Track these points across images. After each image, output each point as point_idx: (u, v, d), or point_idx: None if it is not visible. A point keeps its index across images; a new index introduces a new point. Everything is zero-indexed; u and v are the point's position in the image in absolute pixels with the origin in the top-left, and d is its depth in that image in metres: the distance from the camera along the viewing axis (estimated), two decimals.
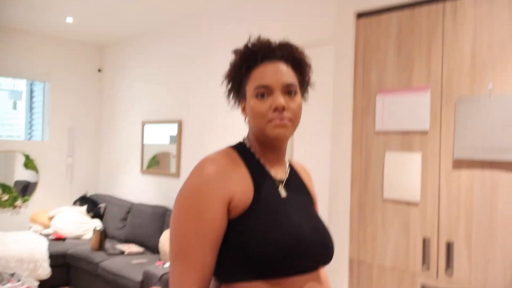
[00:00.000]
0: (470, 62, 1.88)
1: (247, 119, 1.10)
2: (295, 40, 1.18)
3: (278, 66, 1.06)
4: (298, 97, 1.07)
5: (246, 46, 1.10)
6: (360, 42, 2.24)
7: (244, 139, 1.14)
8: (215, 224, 0.96)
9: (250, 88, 1.06)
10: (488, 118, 1.82)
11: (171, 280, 0.97)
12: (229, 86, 1.13)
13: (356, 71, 2.26)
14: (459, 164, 1.90)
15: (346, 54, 2.28)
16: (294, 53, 1.10)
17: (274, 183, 1.08)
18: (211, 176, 0.97)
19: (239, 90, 1.11)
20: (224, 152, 1.07)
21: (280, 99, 1.02)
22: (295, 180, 1.16)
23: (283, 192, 1.08)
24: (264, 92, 1.03)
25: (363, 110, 2.22)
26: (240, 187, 1.00)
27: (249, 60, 1.07)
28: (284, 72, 1.06)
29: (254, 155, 1.09)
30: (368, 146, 2.20)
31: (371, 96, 2.19)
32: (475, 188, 1.85)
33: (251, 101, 1.05)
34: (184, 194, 0.98)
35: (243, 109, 1.11)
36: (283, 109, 1.02)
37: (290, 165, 1.19)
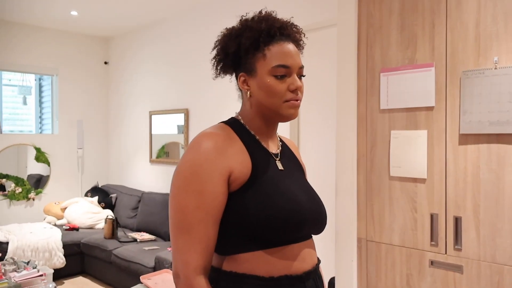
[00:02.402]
0: (475, 36, 1.87)
1: (248, 93, 1.08)
2: (299, 23, 1.18)
3: (291, 46, 1.08)
4: (302, 79, 1.10)
5: (261, 19, 1.08)
6: (363, 21, 2.23)
7: (237, 115, 1.14)
8: (217, 198, 0.97)
9: (266, 64, 1.05)
10: (493, 91, 1.81)
11: (175, 254, 0.98)
12: (227, 56, 1.10)
13: (359, 50, 2.25)
14: (465, 139, 1.90)
15: (349, 33, 2.27)
16: (300, 35, 1.13)
17: (271, 156, 1.10)
18: (209, 151, 0.98)
19: (239, 62, 1.09)
20: (219, 127, 1.08)
21: (299, 81, 1.06)
22: (287, 154, 1.19)
23: (279, 165, 1.11)
24: (284, 72, 1.04)
25: (367, 89, 2.22)
26: (238, 160, 1.01)
27: (265, 35, 1.05)
28: (297, 53, 1.09)
29: (249, 130, 1.10)
30: (373, 125, 2.20)
31: (375, 74, 2.19)
32: (482, 162, 1.85)
33: (267, 78, 1.04)
34: (184, 170, 0.99)
35: (244, 83, 1.09)
36: (300, 90, 1.07)
37: (281, 140, 1.21)
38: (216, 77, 1.15)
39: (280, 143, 1.19)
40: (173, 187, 1.00)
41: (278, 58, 1.04)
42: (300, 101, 1.08)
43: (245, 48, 1.06)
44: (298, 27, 1.13)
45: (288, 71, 1.05)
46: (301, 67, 1.09)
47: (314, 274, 1.07)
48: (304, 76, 1.10)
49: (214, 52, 1.12)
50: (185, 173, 0.98)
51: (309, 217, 1.06)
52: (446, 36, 1.95)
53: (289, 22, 1.11)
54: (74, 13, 4.63)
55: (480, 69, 1.84)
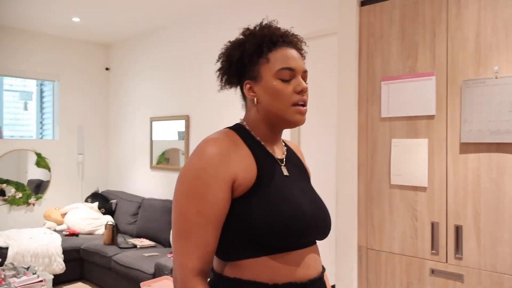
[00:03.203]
0: (475, 46, 1.88)
1: (255, 100, 1.09)
2: (300, 31, 1.20)
3: (294, 51, 1.10)
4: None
5: (263, 27, 1.10)
6: (364, 30, 2.25)
7: (241, 121, 1.14)
8: (218, 205, 0.97)
9: (270, 69, 1.06)
10: (494, 101, 1.82)
11: (174, 258, 0.99)
12: (232, 65, 1.11)
13: (360, 59, 2.27)
14: (465, 148, 1.91)
15: (350, 42, 2.29)
16: (301, 43, 1.15)
17: (276, 162, 1.11)
18: (213, 156, 0.98)
19: (243, 70, 1.10)
20: (224, 132, 1.08)
21: (304, 83, 1.07)
22: (293, 159, 1.19)
23: (285, 171, 1.11)
24: (289, 75, 1.06)
25: (368, 98, 2.23)
26: (243, 166, 1.02)
27: (268, 41, 1.07)
28: (301, 59, 1.11)
29: (253, 136, 1.10)
30: (374, 133, 2.21)
31: (376, 83, 2.20)
32: (482, 171, 1.86)
33: (273, 81, 1.05)
34: (187, 175, 0.99)
35: (250, 90, 1.10)
36: (305, 91, 1.08)
37: (286, 145, 1.22)
38: (221, 89, 1.16)
39: (285, 148, 1.20)
40: (176, 191, 1.01)
41: (282, 61, 1.06)
42: (306, 105, 1.09)
43: (249, 54, 1.08)
44: (299, 36, 1.15)
45: (293, 74, 1.06)
46: (305, 71, 1.10)
47: (319, 282, 1.07)
48: (307, 83, 1.11)
49: (219, 64, 1.14)
50: (188, 178, 0.99)
51: (313, 223, 1.06)
52: (446, 46, 1.97)
53: (290, 31, 1.13)
54: (75, 19, 4.65)
55: (480, 78, 1.86)
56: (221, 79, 1.14)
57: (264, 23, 1.12)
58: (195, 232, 0.96)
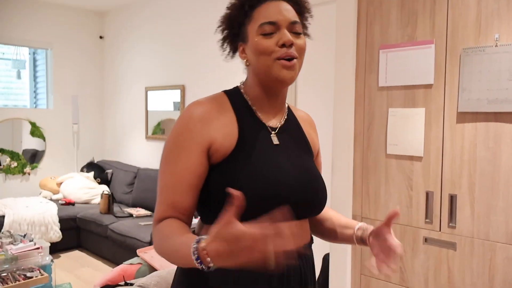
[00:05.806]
0: (476, 13, 1.84)
1: (246, 62, 1.05)
2: None
3: (282, 4, 1.02)
4: (303, 37, 1.04)
5: None
6: None
7: (240, 84, 1.10)
8: (190, 167, 0.96)
9: (253, 27, 1.01)
10: (493, 69, 1.79)
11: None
12: (226, 31, 1.08)
13: (359, 26, 2.22)
14: (463, 117, 1.89)
15: (349, 10, 2.24)
16: None
17: (266, 130, 1.05)
18: (192, 120, 0.98)
19: (238, 34, 1.06)
20: (213, 97, 1.05)
21: (288, 35, 0.99)
22: (292, 128, 1.12)
23: (275, 139, 1.06)
24: (271, 29, 0.99)
25: (366, 67, 2.20)
26: (222, 132, 0.99)
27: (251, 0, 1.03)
28: (289, 10, 1.02)
29: (246, 101, 1.06)
30: (371, 103, 2.19)
31: (374, 51, 2.16)
32: (479, 141, 1.85)
33: (255, 38, 1.00)
34: (169, 138, 1.02)
35: (242, 52, 1.06)
36: (291, 45, 0.98)
37: (292, 114, 1.15)
38: (226, 58, 1.11)
39: (287, 116, 1.12)
40: (162, 152, 1.03)
41: (263, 16, 1.00)
42: (296, 60, 1.00)
43: (235, 17, 1.04)
44: None
45: (275, 28, 0.99)
46: (293, 22, 1.00)
47: (301, 252, 1.02)
48: (300, 34, 1.03)
49: (219, 35, 1.10)
50: (169, 141, 1.01)
51: (299, 195, 1.00)
52: (447, 13, 1.92)
53: None
54: None
55: (480, 46, 1.83)
56: (223, 49, 1.11)
57: None
58: (165, 192, 0.98)
